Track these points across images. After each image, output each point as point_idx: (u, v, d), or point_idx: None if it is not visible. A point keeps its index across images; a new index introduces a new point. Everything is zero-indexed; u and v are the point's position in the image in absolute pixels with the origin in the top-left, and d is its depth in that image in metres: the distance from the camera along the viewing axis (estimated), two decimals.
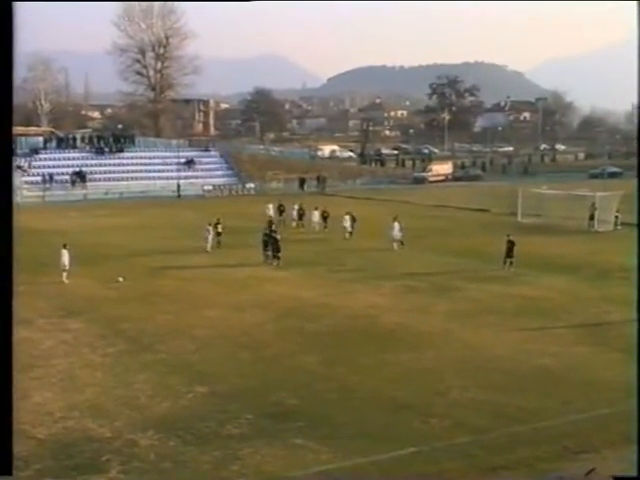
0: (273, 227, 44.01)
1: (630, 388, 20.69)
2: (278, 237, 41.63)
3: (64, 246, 36.08)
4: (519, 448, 17.33)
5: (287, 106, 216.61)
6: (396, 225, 46.07)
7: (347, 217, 50.73)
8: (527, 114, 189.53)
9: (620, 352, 24.46)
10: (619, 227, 53.24)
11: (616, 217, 53.92)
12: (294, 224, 55.91)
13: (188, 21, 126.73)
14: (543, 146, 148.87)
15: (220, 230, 46.77)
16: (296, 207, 56.94)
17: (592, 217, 54.44)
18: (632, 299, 31.59)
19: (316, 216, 54.70)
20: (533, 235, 44.46)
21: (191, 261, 42.35)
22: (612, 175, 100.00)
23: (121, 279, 36.31)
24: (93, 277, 36.57)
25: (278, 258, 40.75)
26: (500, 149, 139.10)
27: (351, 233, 50.10)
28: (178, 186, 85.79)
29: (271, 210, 56.90)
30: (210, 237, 45.36)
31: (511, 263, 38.87)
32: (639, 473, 7.21)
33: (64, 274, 35.62)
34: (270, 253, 41.18)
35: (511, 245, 39.11)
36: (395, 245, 45.80)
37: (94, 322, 29.05)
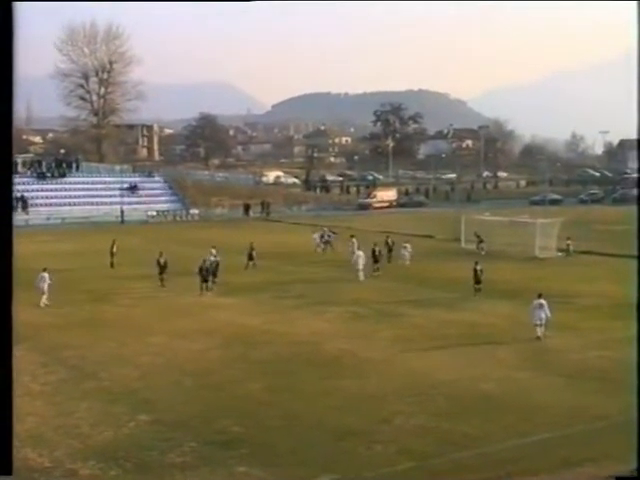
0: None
1: (571, 412, 21.10)
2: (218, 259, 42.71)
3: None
4: (462, 473, 17.45)
5: (232, 132, 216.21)
6: (360, 254, 45.65)
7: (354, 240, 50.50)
8: (469, 142, 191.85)
9: (561, 377, 24.87)
10: (561, 254, 54.10)
11: (567, 245, 54.61)
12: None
13: (132, 47, 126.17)
14: (485, 173, 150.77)
15: (114, 251, 49.02)
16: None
17: (480, 241, 55.30)
18: (571, 324, 32.30)
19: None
20: (475, 261, 44.75)
21: (134, 288, 41.99)
22: (553, 202, 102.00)
23: (46, 303, 36.61)
24: (35, 303, 35.98)
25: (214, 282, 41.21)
26: (443, 176, 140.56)
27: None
28: (121, 212, 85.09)
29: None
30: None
31: (479, 290, 39.28)
32: (639, 473, 7.36)
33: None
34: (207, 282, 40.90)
35: (477, 273, 39.61)
36: (360, 275, 44.64)
37: (35, 350, 28.57)
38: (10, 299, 6.29)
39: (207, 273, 40.74)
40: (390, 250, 51.51)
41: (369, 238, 55.32)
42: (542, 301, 30.21)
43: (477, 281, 39.65)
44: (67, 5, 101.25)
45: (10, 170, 6.20)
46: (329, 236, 58.20)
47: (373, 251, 46.91)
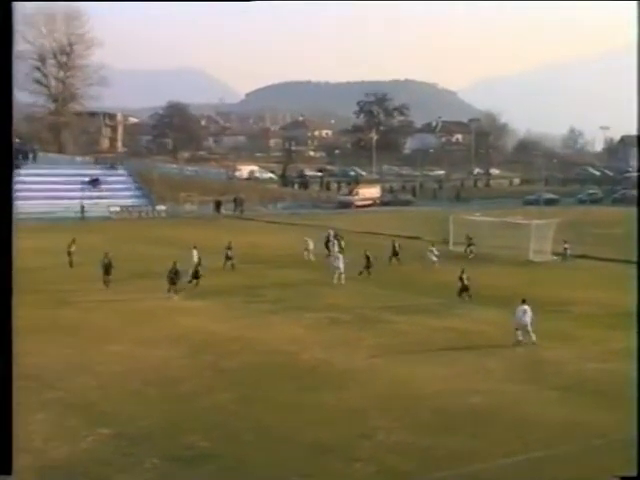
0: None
1: (566, 429, 21.15)
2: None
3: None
4: None
5: (203, 122, 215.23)
6: (340, 256, 45.93)
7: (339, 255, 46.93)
8: (459, 136, 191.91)
9: (555, 390, 24.94)
10: (557, 258, 54.32)
11: (565, 249, 54.70)
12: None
13: (94, 28, 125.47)
14: (476, 170, 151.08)
15: (72, 250, 48.75)
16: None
17: (470, 244, 55.76)
18: (567, 334, 32.45)
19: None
20: (465, 265, 44.86)
21: (95, 289, 41.76)
22: (548, 202, 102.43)
23: None
24: None
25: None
26: (431, 173, 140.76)
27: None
28: (82, 207, 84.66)
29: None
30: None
31: (469, 297, 39.56)
32: (639, 473, 7.45)
33: None
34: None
35: (462, 279, 39.90)
36: (338, 278, 44.71)
37: None
38: (10, 298, 6.35)
39: (176, 276, 40.47)
40: (396, 254, 51.72)
41: (353, 239, 55.46)
42: (526, 307, 30.60)
43: (464, 288, 39.79)
44: None
45: (10, 170, 6.22)
46: (338, 240, 56.01)
47: (367, 257, 47.00)
